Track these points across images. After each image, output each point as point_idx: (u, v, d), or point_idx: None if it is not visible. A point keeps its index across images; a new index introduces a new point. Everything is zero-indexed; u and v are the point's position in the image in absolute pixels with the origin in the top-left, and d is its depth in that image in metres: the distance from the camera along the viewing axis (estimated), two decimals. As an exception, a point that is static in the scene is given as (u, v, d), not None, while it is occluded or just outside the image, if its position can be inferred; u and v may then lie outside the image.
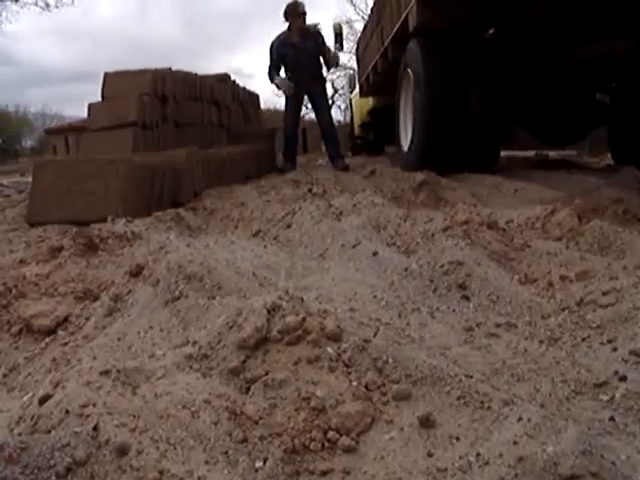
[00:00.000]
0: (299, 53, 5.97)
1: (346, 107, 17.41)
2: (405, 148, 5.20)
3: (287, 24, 6.05)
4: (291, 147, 6.40)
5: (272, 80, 6.21)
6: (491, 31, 5.11)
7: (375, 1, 6.86)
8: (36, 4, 20.82)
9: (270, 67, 6.16)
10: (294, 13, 5.92)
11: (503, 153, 5.68)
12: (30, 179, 3.54)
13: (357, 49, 8.98)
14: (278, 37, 6.11)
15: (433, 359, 1.04)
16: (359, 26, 8.27)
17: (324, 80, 6.49)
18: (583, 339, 1.23)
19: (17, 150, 38.05)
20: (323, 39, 6.15)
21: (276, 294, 1.09)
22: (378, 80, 7.04)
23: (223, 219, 2.90)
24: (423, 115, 4.55)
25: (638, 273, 1.58)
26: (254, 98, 8.08)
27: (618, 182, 3.76)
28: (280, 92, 6.46)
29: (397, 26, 5.20)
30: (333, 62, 6.19)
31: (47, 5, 20.83)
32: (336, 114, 28.98)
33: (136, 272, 1.69)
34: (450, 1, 4.16)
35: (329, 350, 0.98)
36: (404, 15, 4.87)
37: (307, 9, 6.03)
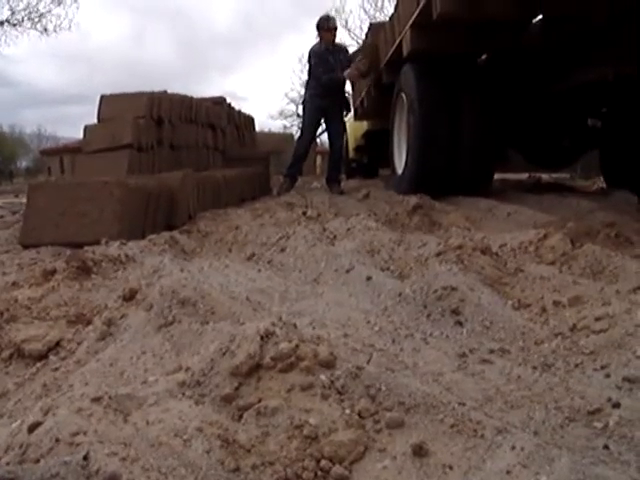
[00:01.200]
0: (336, 63, 5.95)
1: (341, 130, 17.52)
2: (399, 171, 5.24)
3: (318, 38, 6.09)
4: (297, 165, 6.34)
5: (332, 78, 5.93)
6: (484, 57, 5.20)
7: (369, 26, 6.97)
8: (35, 29, 21.06)
9: (319, 71, 5.95)
10: (326, 26, 5.97)
11: (497, 176, 5.73)
12: (24, 200, 3.54)
13: (352, 73, 9.08)
14: (316, 46, 6.09)
15: (426, 386, 1.04)
16: (353, 50, 8.42)
17: (344, 104, 6.49)
18: (576, 365, 1.23)
19: (12, 171, 38.06)
20: (350, 55, 6.22)
21: (269, 320, 1.09)
22: (372, 104, 7.11)
23: (217, 242, 2.90)
24: (417, 139, 4.59)
25: (630, 298, 1.58)
26: (249, 121, 8.15)
27: (610, 205, 3.80)
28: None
29: (391, 51, 5.28)
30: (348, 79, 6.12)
31: (45, 30, 21.06)
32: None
33: (129, 296, 1.69)
34: (443, 28, 4.23)
35: (322, 377, 0.97)
36: (398, 40, 4.94)
37: (338, 24, 6.12)
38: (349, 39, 25.82)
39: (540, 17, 4.30)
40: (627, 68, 3.62)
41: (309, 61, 6.08)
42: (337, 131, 6.30)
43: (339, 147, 6.36)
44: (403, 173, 5.03)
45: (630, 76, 3.75)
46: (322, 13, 6.17)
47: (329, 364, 1.00)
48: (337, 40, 6.24)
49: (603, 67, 3.76)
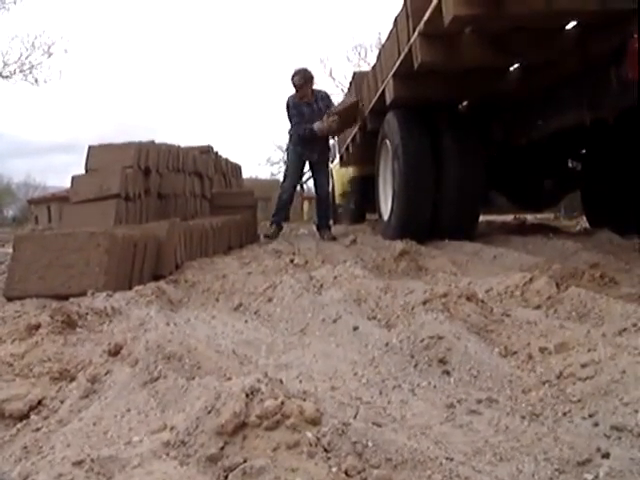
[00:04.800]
0: (313, 113, 5.93)
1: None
2: (385, 217, 5.30)
3: (295, 91, 5.99)
4: (282, 212, 6.31)
5: (304, 131, 5.91)
6: (465, 103, 5.34)
7: (353, 75, 7.15)
8: (25, 80, 21.40)
9: (294, 123, 5.99)
10: (303, 79, 5.89)
11: (482, 217, 5.81)
12: (10, 250, 3.52)
13: (337, 120, 9.23)
14: (292, 97, 6.03)
15: (414, 440, 1.03)
16: (339, 98, 8.65)
17: (329, 150, 6.53)
18: (564, 414, 1.23)
19: (-2, 219, 37.91)
20: (332, 102, 6.18)
21: (255, 376, 1.08)
22: (358, 150, 7.23)
23: (204, 292, 2.89)
24: (402, 185, 4.67)
25: (616, 341, 1.59)
26: (236, 169, 8.24)
27: (594, 246, 3.85)
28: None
29: (375, 99, 5.41)
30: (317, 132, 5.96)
31: (36, 81, 21.40)
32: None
33: (115, 351, 1.67)
34: (425, 77, 4.36)
35: (308, 435, 0.96)
36: (381, 89, 5.07)
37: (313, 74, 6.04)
38: (334, 88, 26.46)
39: (517, 64, 4.46)
40: (602, 113, 3.74)
41: (287, 111, 6.08)
42: (322, 177, 6.30)
43: (325, 193, 6.36)
44: (389, 219, 5.09)
45: (605, 120, 3.87)
46: (297, 67, 6.06)
47: (315, 421, 0.99)
48: (318, 87, 6.26)
49: (579, 112, 3.88)
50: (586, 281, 2.51)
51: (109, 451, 1.06)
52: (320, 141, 6.09)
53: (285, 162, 6.34)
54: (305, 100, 5.97)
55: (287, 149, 6.45)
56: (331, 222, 7.05)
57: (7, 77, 21.21)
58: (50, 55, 21.37)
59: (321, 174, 6.30)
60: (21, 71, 21.26)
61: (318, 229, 6.32)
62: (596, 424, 1.16)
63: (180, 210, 5.65)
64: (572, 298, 2.08)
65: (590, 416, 1.19)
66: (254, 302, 2.39)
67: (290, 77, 5.93)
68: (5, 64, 21.11)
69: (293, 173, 6.26)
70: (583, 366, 1.38)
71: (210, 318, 2.12)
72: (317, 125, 5.84)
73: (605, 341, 1.57)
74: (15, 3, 20.63)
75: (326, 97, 6.20)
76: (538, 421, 1.21)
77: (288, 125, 6.17)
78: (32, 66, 21.31)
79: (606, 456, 1.02)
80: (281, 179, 6.69)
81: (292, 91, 6.03)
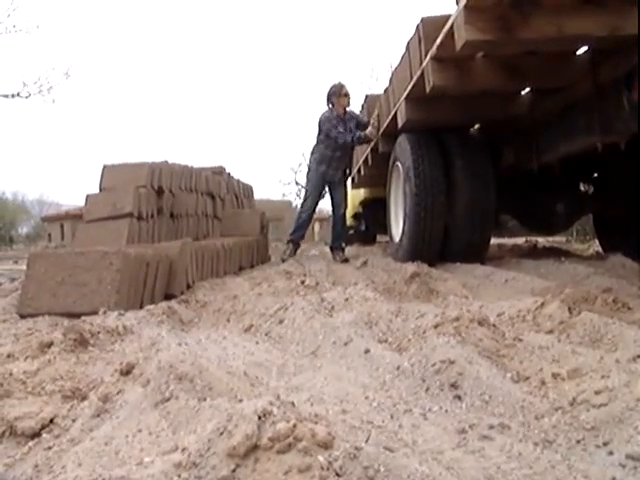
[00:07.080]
0: (344, 129, 6.05)
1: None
2: (397, 239, 5.31)
3: (330, 105, 6.15)
4: (301, 231, 6.32)
5: (346, 139, 6.00)
6: (477, 126, 5.37)
7: (365, 98, 7.22)
8: (43, 100, 21.87)
9: (329, 135, 6.06)
10: (340, 93, 6.06)
11: (493, 240, 5.79)
12: (23, 267, 3.56)
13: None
14: (325, 113, 6.16)
15: (425, 466, 1.02)
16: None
17: (348, 173, 6.61)
18: (578, 441, 1.21)
19: (12, 236, 38.27)
20: (361, 118, 6.31)
21: (267, 399, 1.08)
22: (369, 173, 7.28)
23: (215, 312, 2.90)
24: (413, 207, 4.68)
25: (630, 367, 1.58)
26: (248, 189, 8.31)
27: (606, 270, 3.82)
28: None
29: (387, 122, 5.45)
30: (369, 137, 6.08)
31: (53, 101, 21.86)
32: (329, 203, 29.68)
33: (126, 371, 1.67)
34: (436, 100, 4.39)
35: (320, 459, 0.96)
36: (393, 112, 5.12)
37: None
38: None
39: (529, 89, 4.49)
40: (613, 137, 3.74)
41: (319, 127, 6.14)
42: (340, 199, 6.33)
43: (342, 215, 6.36)
44: (400, 241, 5.10)
45: (616, 144, 3.87)
46: (335, 81, 6.22)
47: (327, 444, 0.98)
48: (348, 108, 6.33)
49: (591, 137, 3.88)
50: (599, 306, 2.49)
51: (121, 471, 1.06)
52: (345, 160, 6.12)
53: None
54: (339, 115, 6.09)
55: (309, 168, 6.45)
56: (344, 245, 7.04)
57: (26, 97, 21.58)
58: (69, 76, 21.85)
59: (339, 194, 6.34)
60: (39, 91, 21.64)
61: (331, 250, 6.31)
62: (611, 453, 1.14)
63: (192, 230, 5.70)
64: (585, 323, 2.07)
65: (604, 444, 1.18)
66: (265, 323, 2.39)
67: (334, 88, 6.14)
68: (24, 84, 21.51)
69: (314, 192, 6.30)
70: (597, 393, 1.36)
71: (221, 339, 2.13)
72: (369, 130, 5.97)
73: (619, 367, 1.55)
74: (38, 27, 21.14)
75: (355, 116, 6.34)
76: (551, 448, 1.20)
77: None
78: (51, 87, 21.70)
79: (621, 486, 1.01)
80: (292, 200, 6.76)
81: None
